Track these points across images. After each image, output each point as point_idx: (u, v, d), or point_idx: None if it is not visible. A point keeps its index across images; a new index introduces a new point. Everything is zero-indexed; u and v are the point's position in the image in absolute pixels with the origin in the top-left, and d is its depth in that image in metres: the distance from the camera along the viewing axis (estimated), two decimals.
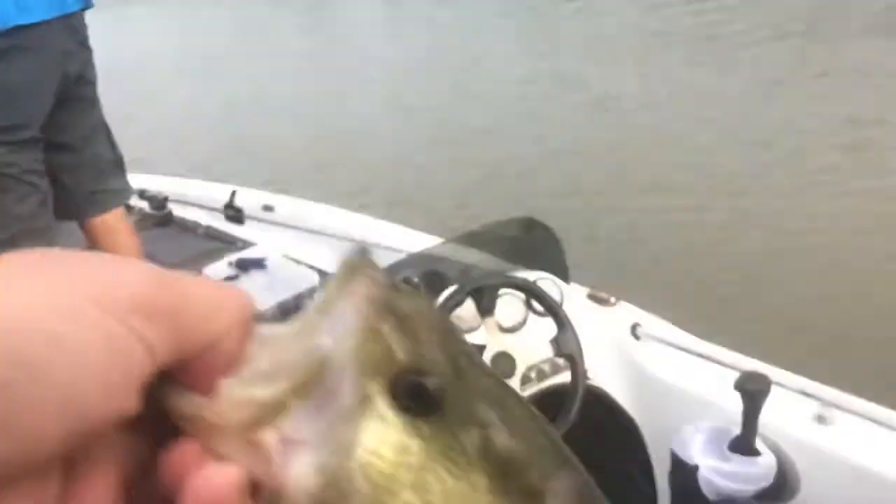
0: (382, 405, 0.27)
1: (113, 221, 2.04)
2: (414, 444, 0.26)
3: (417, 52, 7.22)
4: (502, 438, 0.28)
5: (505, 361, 1.47)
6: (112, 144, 2.05)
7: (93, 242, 2.05)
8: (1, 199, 1.74)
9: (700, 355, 1.68)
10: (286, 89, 6.86)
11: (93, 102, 1.95)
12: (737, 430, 1.43)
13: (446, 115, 5.62)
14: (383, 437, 0.26)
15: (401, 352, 0.28)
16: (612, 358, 1.74)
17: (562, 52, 6.45)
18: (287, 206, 2.99)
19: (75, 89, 1.85)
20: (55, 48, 1.74)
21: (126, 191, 2.09)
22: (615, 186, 4.11)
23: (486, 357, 1.47)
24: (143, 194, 3.33)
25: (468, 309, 1.65)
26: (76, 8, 1.80)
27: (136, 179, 3.43)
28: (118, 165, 2.06)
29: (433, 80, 6.48)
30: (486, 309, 1.49)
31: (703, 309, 2.79)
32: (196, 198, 3.27)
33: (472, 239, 1.91)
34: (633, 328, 1.77)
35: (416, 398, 0.27)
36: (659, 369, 1.72)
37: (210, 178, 3.38)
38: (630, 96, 5.18)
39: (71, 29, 1.79)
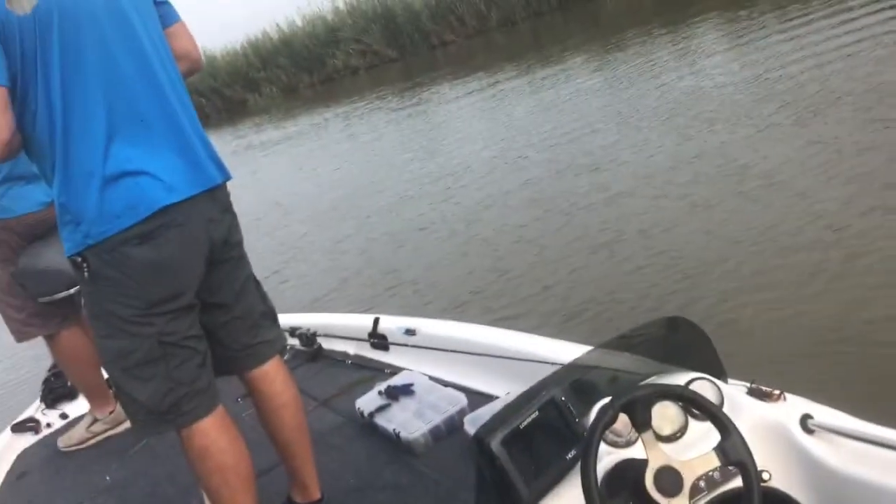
0: None
1: (272, 371, 2.12)
2: None
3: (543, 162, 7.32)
4: None
5: (670, 476, 1.39)
6: (263, 296, 2.14)
7: (251, 392, 2.13)
8: (164, 365, 1.84)
9: (884, 444, 1.54)
10: (418, 213, 7.09)
11: (240, 261, 2.05)
12: None
13: (579, 216, 5.63)
14: None
15: None
16: (785, 456, 1.62)
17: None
18: (428, 328, 3.04)
19: (223, 252, 1.96)
20: (201, 219, 1.86)
21: (280, 339, 2.18)
22: (770, 272, 3.92)
23: (649, 473, 1.40)
24: (293, 332, 3.51)
25: (622, 421, 1.59)
26: (218, 181, 1.93)
27: (286, 318, 3.62)
28: (270, 316, 2.15)
29: (562, 180, 6.52)
30: (641, 423, 1.43)
31: (878, 393, 2.57)
32: (342, 329, 3.40)
33: (619, 344, 1.86)
34: (804, 421, 1.64)
35: None
36: (840, 463, 1.58)
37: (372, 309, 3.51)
38: (784, 176, 4.98)
39: (214, 198, 1.92)
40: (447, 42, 21.41)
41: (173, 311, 1.84)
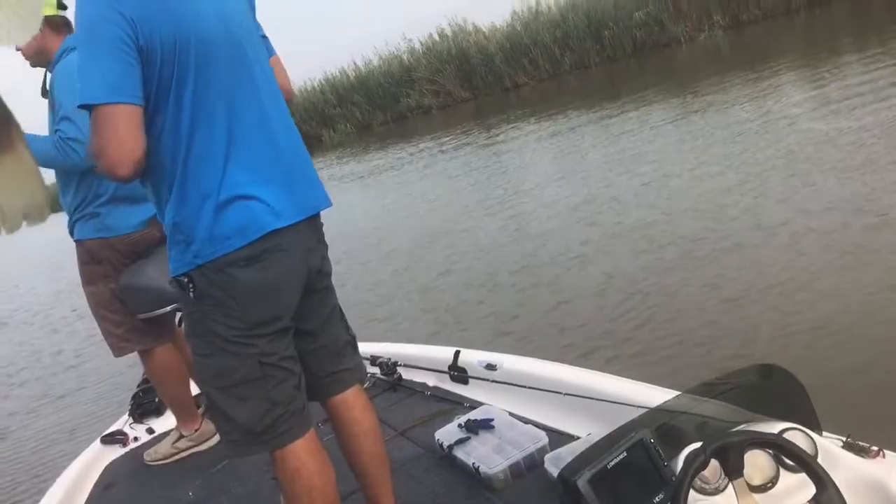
0: None
1: (352, 399, 2.15)
2: None
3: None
4: None
5: None
6: (346, 326, 2.19)
7: (332, 418, 2.17)
8: (263, 385, 1.89)
9: None
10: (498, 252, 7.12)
11: (330, 291, 2.11)
12: None
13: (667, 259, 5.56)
14: None
15: None
16: None
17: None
18: (509, 363, 3.04)
19: (317, 281, 2.02)
20: (302, 247, 1.93)
21: (360, 368, 2.22)
22: (862, 320, 3.80)
23: None
24: (374, 361, 3.56)
25: (713, 468, 1.57)
26: (321, 207, 2.00)
27: (367, 347, 3.68)
28: (353, 345, 2.20)
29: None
30: (733, 469, 1.41)
31: None
32: (423, 361, 3.43)
33: (708, 389, 1.83)
34: None
35: None
36: None
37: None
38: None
39: (312, 227, 1.99)
40: (520, 84, 21.56)
41: (273, 332, 1.89)
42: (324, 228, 2.08)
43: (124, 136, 1.68)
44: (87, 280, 3.15)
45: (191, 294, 1.85)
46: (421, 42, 24.57)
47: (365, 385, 3.40)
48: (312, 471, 1.95)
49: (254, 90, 1.89)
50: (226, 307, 1.84)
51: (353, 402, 2.15)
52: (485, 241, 7.57)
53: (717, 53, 16.34)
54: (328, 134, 25.14)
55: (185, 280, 1.85)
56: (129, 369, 5.57)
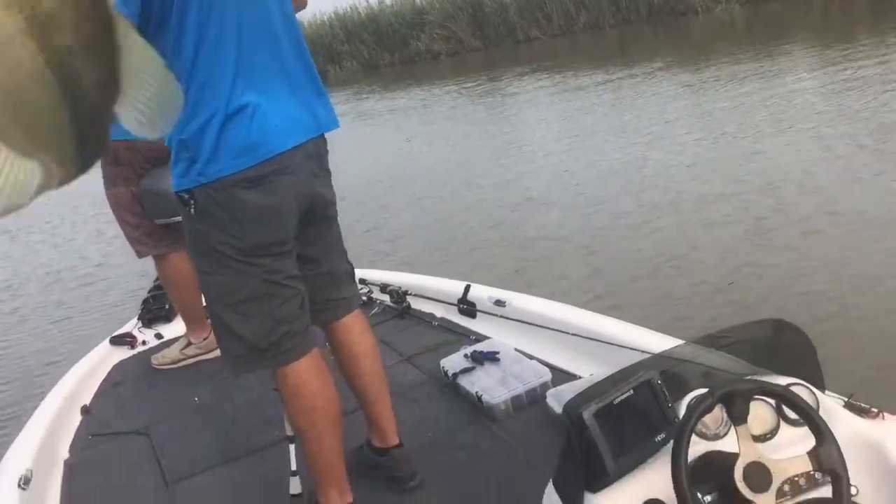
0: None
1: (350, 320, 2.19)
2: None
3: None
4: None
5: (759, 472, 1.40)
6: (346, 257, 2.22)
7: (331, 341, 2.21)
8: (268, 303, 1.90)
9: None
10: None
11: (334, 220, 2.13)
12: None
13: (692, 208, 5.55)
14: None
15: None
16: (877, 474, 1.60)
17: None
18: (518, 301, 3.08)
19: (322, 209, 2.03)
20: (307, 170, 1.92)
21: (356, 297, 2.26)
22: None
23: (739, 467, 1.41)
24: (384, 288, 3.60)
25: (715, 415, 1.61)
26: (330, 129, 1.99)
27: (379, 275, 3.72)
28: (350, 275, 2.23)
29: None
30: (738, 416, 1.44)
31: None
32: (432, 292, 3.47)
33: (714, 341, 1.86)
34: None
35: None
36: None
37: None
38: None
39: (320, 152, 1.99)
40: (532, 38, 21.19)
41: (277, 253, 1.90)
42: (333, 167, 2.08)
43: None
44: (110, 181, 3.18)
45: (191, 210, 1.85)
46: None
47: (373, 311, 3.47)
48: (314, 390, 1.99)
49: (263, 9, 1.85)
50: (227, 227, 1.84)
51: (351, 324, 2.18)
52: (504, 186, 7.55)
53: (732, 26, 16.00)
54: (334, 70, 24.80)
55: (187, 196, 1.84)
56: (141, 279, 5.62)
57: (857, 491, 1.56)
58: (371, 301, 3.55)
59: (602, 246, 5.33)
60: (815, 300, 3.87)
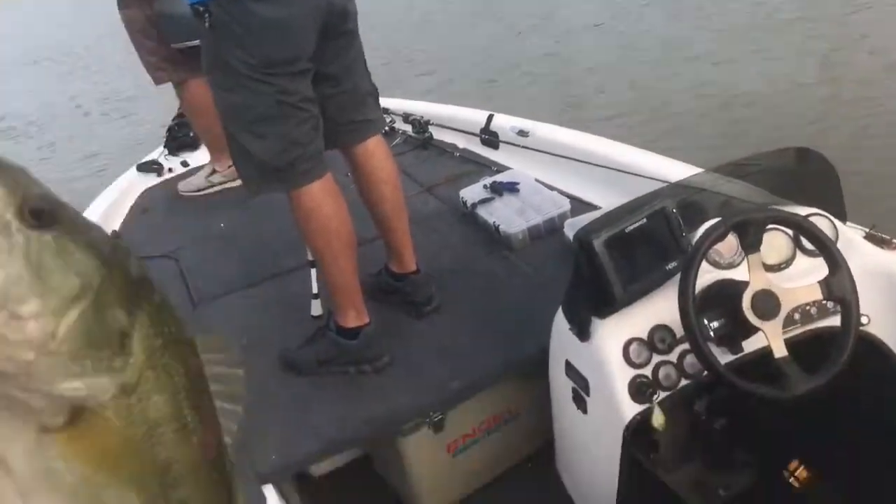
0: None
1: (372, 147, 2.15)
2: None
3: None
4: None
5: (768, 299, 1.39)
6: (369, 76, 2.14)
7: (353, 167, 2.18)
8: (283, 125, 1.88)
9: None
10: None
11: (354, 35, 2.04)
12: None
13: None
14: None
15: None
16: (890, 303, 1.59)
17: None
18: (541, 131, 3.01)
19: (341, 23, 1.95)
20: None
21: (381, 120, 2.20)
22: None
23: (748, 294, 1.40)
24: (407, 118, 3.54)
25: (729, 243, 1.59)
26: None
27: (401, 104, 3.65)
28: (374, 96, 2.16)
29: None
30: (750, 244, 1.42)
31: None
32: (455, 122, 3.40)
33: (735, 169, 1.80)
34: None
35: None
36: None
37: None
38: None
39: None
40: None
41: (291, 73, 1.85)
42: None
43: None
44: (122, 2, 3.08)
45: (206, 23, 1.81)
46: None
47: (395, 141, 3.42)
48: (328, 213, 1.99)
49: None
50: (241, 41, 1.79)
51: (373, 149, 2.15)
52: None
53: None
54: None
55: (202, 9, 1.80)
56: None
57: (869, 320, 1.56)
58: (393, 131, 3.49)
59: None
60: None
